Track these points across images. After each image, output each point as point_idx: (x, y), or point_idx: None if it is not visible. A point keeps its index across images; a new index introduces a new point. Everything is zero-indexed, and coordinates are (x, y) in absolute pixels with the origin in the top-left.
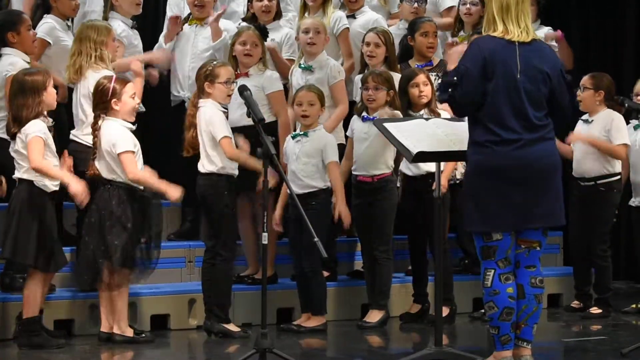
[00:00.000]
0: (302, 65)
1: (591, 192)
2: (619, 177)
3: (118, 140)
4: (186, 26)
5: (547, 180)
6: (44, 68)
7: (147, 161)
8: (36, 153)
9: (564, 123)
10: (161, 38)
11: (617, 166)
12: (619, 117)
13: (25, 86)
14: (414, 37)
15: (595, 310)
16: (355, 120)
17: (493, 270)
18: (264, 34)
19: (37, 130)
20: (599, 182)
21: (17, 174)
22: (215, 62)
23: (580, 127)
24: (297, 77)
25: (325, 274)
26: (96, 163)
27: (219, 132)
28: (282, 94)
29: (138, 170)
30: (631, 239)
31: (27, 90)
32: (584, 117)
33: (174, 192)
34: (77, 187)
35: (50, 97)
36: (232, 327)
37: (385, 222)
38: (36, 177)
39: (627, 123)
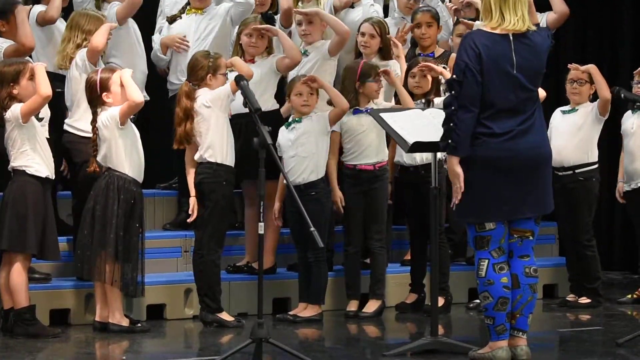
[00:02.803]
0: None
1: (571, 181)
2: (596, 165)
3: (115, 110)
4: (184, 16)
5: (537, 170)
6: (23, 59)
7: (145, 151)
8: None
9: None
10: (157, 39)
11: (595, 155)
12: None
13: None
14: (413, 29)
15: (584, 300)
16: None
17: (487, 261)
18: (270, 23)
19: (18, 106)
20: (577, 171)
21: (11, 164)
22: (213, 54)
23: (560, 117)
24: None
25: None
26: (99, 156)
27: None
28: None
29: (137, 95)
30: (627, 227)
31: None
32: (563, 108)
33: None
34: None
35: (25, 89)
36: (225, 316)
37: (382, 211)
38: (28, 164)
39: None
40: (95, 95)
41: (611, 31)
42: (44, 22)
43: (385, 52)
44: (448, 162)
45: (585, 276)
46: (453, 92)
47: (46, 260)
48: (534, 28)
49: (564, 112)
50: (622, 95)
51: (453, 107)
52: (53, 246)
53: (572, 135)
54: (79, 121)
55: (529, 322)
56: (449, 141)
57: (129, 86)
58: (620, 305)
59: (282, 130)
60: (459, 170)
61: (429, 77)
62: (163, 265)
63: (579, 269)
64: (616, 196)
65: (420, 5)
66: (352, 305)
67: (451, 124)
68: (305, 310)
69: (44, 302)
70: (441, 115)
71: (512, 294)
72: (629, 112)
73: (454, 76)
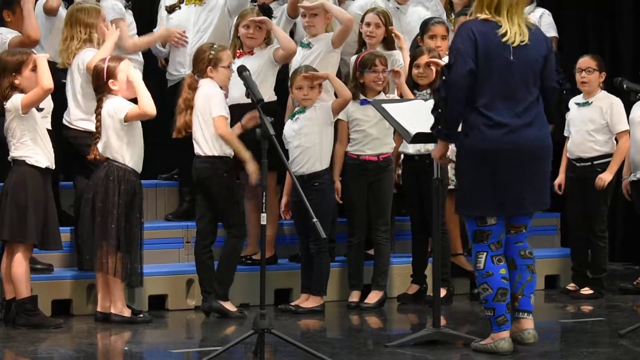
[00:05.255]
0: (303, 43)
1: (588, 171)
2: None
3: (120, 107)
4: (184, 6)
5: (537, 164)
6: (28, 50)
7: (146, 142)
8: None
9: (550, 103)
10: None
11: (613, 145)
12: (618, 101)
13: None
14: (423, 39)
15: (586, 290)
16: (351, 104)
17: (485, 253)
18: (268, 14)
19: (19, 97)
20: (595, 162)
21: (10, 154)
22: (216, 46)
23: (576, 110)
24: (297, 55)
25: None
26: (98, 145)
27: (216, 109)
28: None
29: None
30: (629, 218)
31: None
32: (577, 100)
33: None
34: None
35: (27, 80)
36: (229, 306)
37: (387, 202)
38: (27, 154)
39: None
40: (102, 83)
41: (611, 22)
42: (47, 12)
43: (389, 42)
44: (438, 146)
45: (593, 266)
46: (444, 77)
47: (47, 250)
48: (532, 22)
49: (578, 104)
50: (625, 85)
51: (442, 92)
52: (54, 236)
53: (589, 128)
54: (78, 120)
55: (533, 302)
56: (439, 127)
57: (143, 97)
58: (622, 294)
59: (288, 122)
60: (440, 149)
61: (434, 68)
62: (165, 256)
63: (589, 259)
64: (624, 193)
65: (432, 16)
66: (355, 296)
67: (439, 110)
68: (307, 301)
69: (46, 293)
70: None
71: (510, 276)
72: (638, 103)
73: (447, 62)
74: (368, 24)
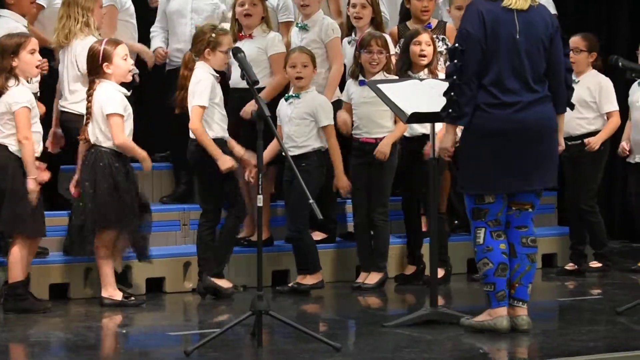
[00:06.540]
0: (299, 25)
1: (579, 150)
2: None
3: (109, 101)
4: None
5: (544, 143)
6: (27, 33)
7: (141, 126)
8: (23, 126)
9: (560, 86)
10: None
11: (603, 124)
12: (606, 81)
13: None
14: (410, 0)
15: (595, 264)
16: (351, 85)
17: (484, 229)
18: None
19: (23, 100)
20: (586, 140)
21: None
22: (219, 29)
23: None
24: (294, 37)
25: (323, 235)
26: (88, 128)
27: (196, 98)
28: (284, 56)
29: (124, 135)
30: (626, 196)
31: None
32: None
33: (149, 162)
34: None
35: (24, 63)
36: (223, 282)
37: (384, 184)
38: (12, 142)
39: (619, 82)
40: (96, 65)
41: (609, 2)
42: None
43: (377, 23)
44: (446, 131)
45: (593, 242)
46: (456, 60)
47: (30, 237)
48: (536, 3)
49: None
50: (620, 63)
51: (455, 77)
52: (40, 224)
53: (578, 107)
54: (73, 103)
55: (529, 292)
56: (450, 110)
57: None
58: (631, 273)
59: (282, 102)
60: (451, 139)
61: (433, 46)
62: (162, 239)
63: (584, 238)
64: (618, 151)
65: None
66: (362, 277)
67: (452, 94)
68: (306, 279)
69: (43, 277)
70: (439, 85)
71: (509, 263)
72: (636, 84)
73: (457, 45)
74: (354, 5)
